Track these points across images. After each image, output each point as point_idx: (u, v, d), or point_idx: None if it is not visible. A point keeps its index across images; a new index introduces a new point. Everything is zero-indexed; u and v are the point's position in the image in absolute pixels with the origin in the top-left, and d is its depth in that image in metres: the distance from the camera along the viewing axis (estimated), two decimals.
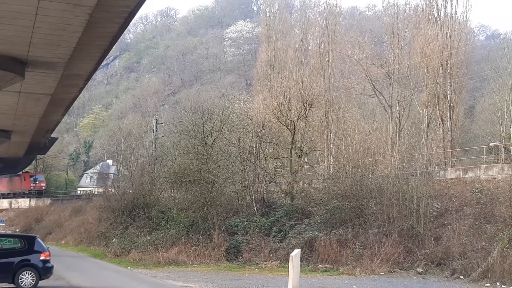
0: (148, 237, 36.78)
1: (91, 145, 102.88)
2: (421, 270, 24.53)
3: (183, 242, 34.11)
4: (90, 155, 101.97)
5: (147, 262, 32.88)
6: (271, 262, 29.44)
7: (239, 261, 31.17)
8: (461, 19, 46.62)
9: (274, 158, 39.85)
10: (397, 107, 43.90)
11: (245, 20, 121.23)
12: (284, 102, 38.29)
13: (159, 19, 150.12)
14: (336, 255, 27.60)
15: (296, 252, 16.74)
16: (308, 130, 40.74)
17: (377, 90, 48.59)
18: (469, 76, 47.57)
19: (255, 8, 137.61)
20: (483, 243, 23.51)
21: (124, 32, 14.24)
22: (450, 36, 44.08)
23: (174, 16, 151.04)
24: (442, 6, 46.98)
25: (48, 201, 67.04)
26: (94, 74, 17.04)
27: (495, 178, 28.49)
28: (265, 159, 39.26)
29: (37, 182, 71.02)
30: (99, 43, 13.04)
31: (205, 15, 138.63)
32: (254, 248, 31.53)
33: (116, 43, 14.18)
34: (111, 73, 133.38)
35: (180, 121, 44.61)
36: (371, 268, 25.40)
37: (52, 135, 28.53)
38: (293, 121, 36.69)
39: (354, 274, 25.07)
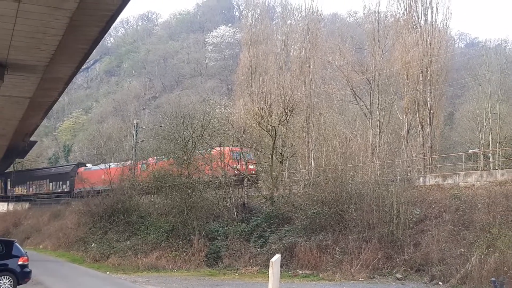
0: (128, 242, 36.54)
1: (70, 149, 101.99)
2: (400, 276, 24.64)
3: (162, 247, 33.96)
4: (69, 159, 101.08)
5: (126, 267, 32.66)
6: (251, 267, 29.40)
7: (219, 266, 31.08)
8: (441, 26, 47.07)
9: (255, 163, 39.83)
10: (378, 114, 44.18)
11: (227, 25, 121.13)
12: (265, 108, 38.35)
13: (140, 23, 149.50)
14: (316, 260, 27.63)
15: (276, 258, 16.73)
16: (289, 135, 40.85)
17: (358, 96, 48.83)
18: (448, 83, 48.02)
19: (236, 14, 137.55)
20: (462, 250, 23.68)
21: (105, 36, 14.18)
22: (430, 43, 44.47)
23: (155, 21, 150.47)
24: (422, 14, 47.42)
25: (26, 205, 66.26)
26: (74, 78, 16.95)
27: (474, 185, 28.72)
28: (246, 164, 39.24)
29: None
30: (80, 46, 12.97)
31: (187, 20, 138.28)
32: (234, 253, 31.46)
33: (97, 47, 14.10)
34: (91, 76, 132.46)
35: (161, 126, 44.48)
36: (351, 274, 25.46)
37: (31, 139, 28.27)
38: (274, 127, 36.73)
39: (334, 280, 25.12)
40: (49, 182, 65.89)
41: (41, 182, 67.19)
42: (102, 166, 52.71)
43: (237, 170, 37.99)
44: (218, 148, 37.72)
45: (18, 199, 68.63)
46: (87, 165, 64.14)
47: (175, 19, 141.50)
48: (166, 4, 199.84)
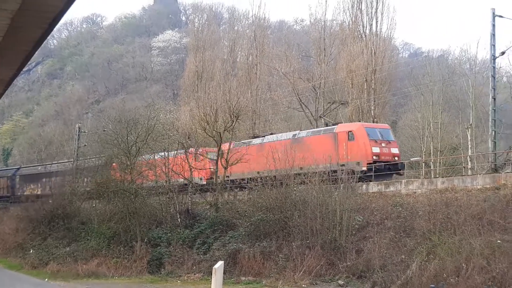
0: (68, 249, 35.76)
1: (9, 153, 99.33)
2: (342, 282, 24.74)
3: (103, 254, 33.30)
4: (8, 163, 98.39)
5: (65, 274, 31.88)
6: (194, 274, 29.07)
7: (161, 273, 30.61)
8: (385, 36, 48.00)
9: (199, 169, 39.53)
10: (323, 121, 44.53)
11: (173, 30, 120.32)
12: (211, 113, 38.09)
13: (84, 26, 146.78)
14: (259, 267, 27.52)
15: (219, 265, 16.51)
16: (234, 141, 40.69)
17: (304, 103, 49.22)
18: (392, 92, 48.92)
19: (183, 18, 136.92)
20: (403, 256, 23.94)
21: (48, 37, 13.75)
22: (374, 52, 45.23)
23: (101, 23, 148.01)
24: (367, 24, 48.27)
25: None
26: (15, 80, 16.42)
27: (415, 192, 29.14)
28: (190, 170, 38.93)
29: None
30: (21, 48, 12.53)
31: (132, 23, 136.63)
32: (177, 260, 31.07)
33: (39, 49, 13.68)
34: (33, 79, 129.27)
35: (104, 130, 43.73)
36: (294, 281, 25.44)
37: None
38: (220, 133, 36.54)
39: (277, 287, 25.04)
40: None
41: None
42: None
43: (182, 175, 37.60)
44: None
45: None
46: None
47: (121, 23, 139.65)
48: (112, 7, 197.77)
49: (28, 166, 67.51)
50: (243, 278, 27.12)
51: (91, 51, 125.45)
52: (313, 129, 38.59)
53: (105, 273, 31.36)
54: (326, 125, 37.36)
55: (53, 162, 58.63)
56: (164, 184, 36.86)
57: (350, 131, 33.44)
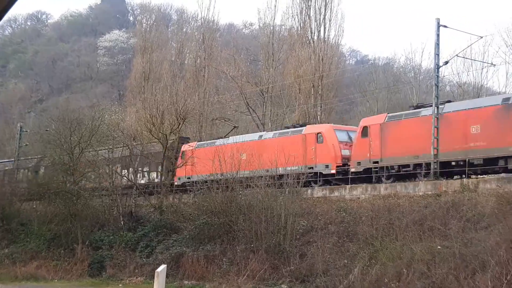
0: (6, 250, 34.73)
1: None
2: (285, 286, 24.78)
3: (43, 256, 32.52)
4: None
5: (3, 276, 30.94)
6: (136, 278, 28.68)
7: (102, 276, 30.10)
8: (333, 43, 48.47)
9: (145, 171, 39.10)
10: (270, 125, 44.69)
11: (121, 30, 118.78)
12: (157, 115, 37.70)
13: (29, 23, 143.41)
14: (203, 271, 27.32)
15: (162, 268, 16.31)
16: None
17: (251, 107, 49.31)
18: (338, 98, 49.46)
19: (131, 19, 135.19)
20: (345, 261, 24.13)
21: None
22: (322, 59, 45.65)
23: (46, 21, 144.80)
24: (315, 30, 48.69)
25: None
26: None
27: (359, 198, 29.47)
28: (135, 172, 38.48)
29: None
30: None
31: (79, 22, 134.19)
32: (119, 263, 30.58)
33: None
34: None
35: (47, 130, 42.78)
36: (237, 285, 25.33)
37: None
38: (166, 135, 36.22)
39: None
40: None
41: None
42: None
43: (125, 177, 37.12)
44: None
45: None
46: None
47: (67, 21, 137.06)
48: (57, 5, 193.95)
49: None
50: (186, 282, 26.89)
51: (35, 49, 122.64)
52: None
53: (45, 276, 30.65)
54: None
55: None
56: (108, 186, 36.30)
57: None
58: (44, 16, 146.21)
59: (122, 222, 34.68)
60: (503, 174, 25.88)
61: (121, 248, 31.45)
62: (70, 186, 35.04)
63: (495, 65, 40.63)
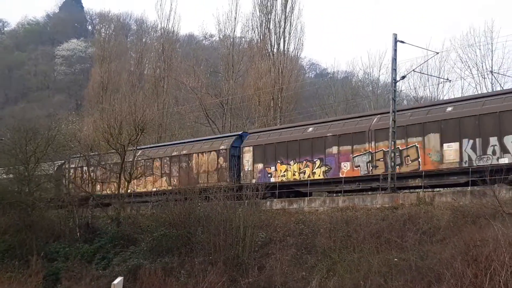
0: None
1: None
2: None
3: None
4: None
5: None
6: None
7: None
8: (292, 56, 48.83)
9: (101, 182, 38.58)
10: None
11: (79, 39, 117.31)
12: (115, 125, 37.23)
13: None
14: (160, 283, 26.97)
15: (118, 280, 16.11)
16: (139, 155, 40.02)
17: (211, 119, 49.24)
18: (298, 111, 49.77)
19: (90, 28, 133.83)
20: (304, 273, 24.22)
21: None
22: (281, 71, 45.97)
23: (2, 29, 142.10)
24: (275, 42, 49.07)
25: None
26: None
27: (317, 210, 29.62)
28: (92, 182, 37.92)
29: None
30: None
31: (36, 30, 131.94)
32: (74, 275, 29.95)
33: None
34: None
35: (1, 139, 41.88)
36: None
37: None
38: (124, 145, 35.80)
39: None
40: None
41: None
42: None
43: (82, 188, 36.57)
44: None
45: None
46: None
47: (23, 29, 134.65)
48: (14, 13, 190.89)
49: None
50: None
51: None
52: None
53: None
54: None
55: None
56: (64, 197, 35.72)
57: None
58: (0, 24, 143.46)
59: (78, 234, 34.11)
60: (458, 188, 26.40)
61: (77, 260, 30.85)
62: (25, 197, 34.28)
63: (450, 80, 41.59)
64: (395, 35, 28.48)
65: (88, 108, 59.89)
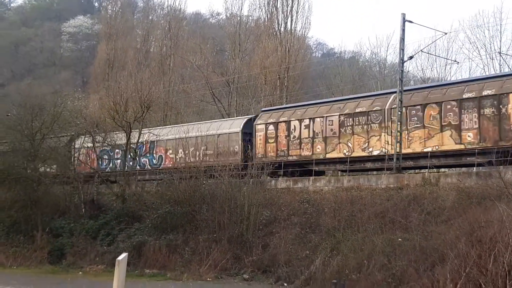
0: None
1: None
2: (247, 276, 24.83)
3: (2, 243, 31.93)
4: None
5: None
6: (97, 266, 28.33)
7: (62, 264, 29.70)
8: (300, 35, 48.55)
9: (105, 158, 38.70)
10: (235, 116, 44.59)
11: (85, 16, 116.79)
12: (121, 103, 37.23)
13: None
14: (164, 260, 27.19)
15: (123, 256, 16.08)
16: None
17: (216, 97, 49.13)
18: (304, 90, 49.57)
19: (96, 4, 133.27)
20: (307, 252, 24.29)
21: None
22: (288, 50, 45.76)
23: (9, 5, 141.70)
24: (282, 21, 48.79)
25: None
26: None
27: (322, 190, 29.64)
28: (98, 159, 38.05)
29: None
30: None
31: (42, 7, 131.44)
32: (79, 251, 30.20)
33: None
34: None
35: (8, 115, 41.90)
36: (199, 274, 25.31)
37: None
38: (129, 123, 35.83)
39: (181, 280, 24.84)
40: None
41: None
42: None
43: (88, 165, 36.66)
44: None
45: None
46: None
47: (30, 5, 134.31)
48: None
49: None
50: (147, 271, 26.74)
51: None
52: None
53: (3, 263, 30.16)
54: None
55: None
56: (69, 173, 35.84)
57: None
58: (7, 0, 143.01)
59: (83, 210, 34.29)
60: (463, 169, 26.36)
61: (81, 236, 31.07)
62: (30, 173, 34.41)
63: (458, 62, 41.29)
64: (403, 15, 28.29)
65: (94, 85, 59.90)
